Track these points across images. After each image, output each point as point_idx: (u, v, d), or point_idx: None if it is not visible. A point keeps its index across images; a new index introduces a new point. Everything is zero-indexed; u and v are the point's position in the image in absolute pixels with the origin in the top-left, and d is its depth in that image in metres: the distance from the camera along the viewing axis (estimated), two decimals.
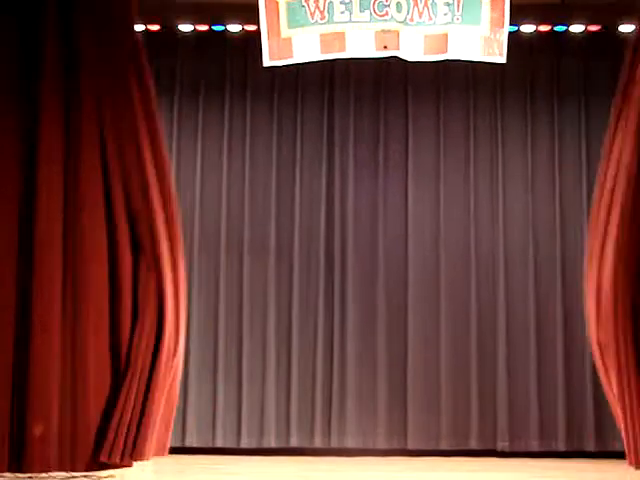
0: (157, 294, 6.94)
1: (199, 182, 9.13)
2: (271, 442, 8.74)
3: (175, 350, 7.05)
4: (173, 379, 7.09)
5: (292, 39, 7.13)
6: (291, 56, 7.19)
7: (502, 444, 8.66)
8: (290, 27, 7.12)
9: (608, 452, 8.55)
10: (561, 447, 8.64)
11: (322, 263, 9.04)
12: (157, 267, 6.96)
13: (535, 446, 8.66)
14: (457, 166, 9.15)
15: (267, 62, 7.17)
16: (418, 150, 9.14)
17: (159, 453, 7.11)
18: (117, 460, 6.63)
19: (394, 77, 9.15)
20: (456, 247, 9.04)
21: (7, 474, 6.41)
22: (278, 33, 7.09)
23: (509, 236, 9.04)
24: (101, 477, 6.51)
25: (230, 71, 9.23)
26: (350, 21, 7.16)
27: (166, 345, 6.88)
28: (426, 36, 7.16)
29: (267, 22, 7.08)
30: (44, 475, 6.42)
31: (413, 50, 7.19)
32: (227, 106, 9.22)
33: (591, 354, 8.67)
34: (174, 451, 8.52)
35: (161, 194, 7.12)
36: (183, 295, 7.25)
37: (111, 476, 6.65)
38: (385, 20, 7.18)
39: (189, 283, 8.89)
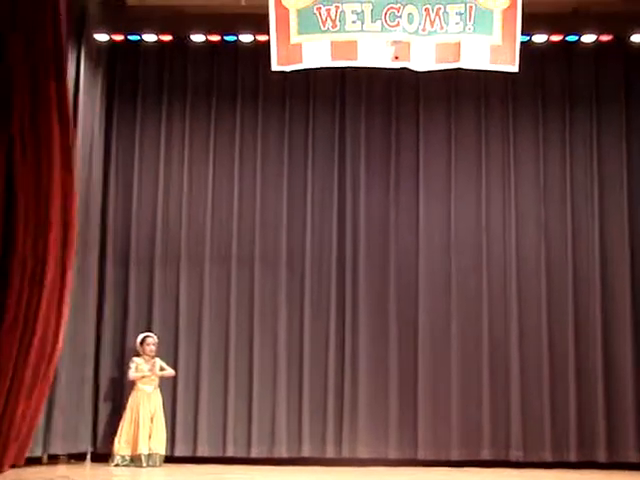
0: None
1: (211, 192, 9.16)
2: (282, 452, 8.73)
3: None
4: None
5: (302, 45, 7.14)
6: (300, 61, 7.20)
7: (516, 454, 8.63)
8: (300, 33, 7.14)
9: (620, 463, 8.50)
10: (573, 458, 8.59)
11: (334, 273, 9.03)
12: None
13: (548, 457, 8.61)
14: (469, 174, 9.14)
15: (275, 66, 7.20)
16: (430, 158, 9.15)
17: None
18: None
19: (405, 86, 9.16)
20: (468, 255, 9.02)
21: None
22: (287, 39, 7.11)
23: (521, 244, 9.01)
24: None
25: (242, 81, 9.27)
26: (362, 30, 7.17)
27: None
28: (437, 45, 7.17)
29: (276, 27, 7.10)
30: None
31: (425, 59, 7.20)
32: (239, 116, 9.25)
33: (603, 365, 8.69)
34: (186, 460, 8.57)
35: (62, 207, 7.01)
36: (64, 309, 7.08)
37: None
38: (396, 31, 7.19)
39: (201, 293, 8.95)
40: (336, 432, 8.75)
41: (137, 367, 8.57)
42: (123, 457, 8.29)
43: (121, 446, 8.31)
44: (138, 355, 8.63)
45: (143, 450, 8.25)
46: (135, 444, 8.29)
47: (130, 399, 8.49)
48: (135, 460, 8.25)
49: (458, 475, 7.97)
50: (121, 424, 8.42)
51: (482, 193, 9.10)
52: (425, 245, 9.02)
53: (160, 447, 8.37)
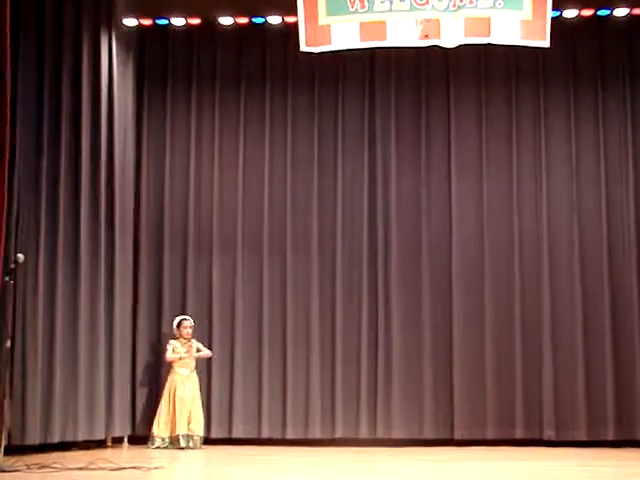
0: None
1: (241, 176, 9.16)
2: (316, 433, 8.76)
3: None
4: None
5: (331, 27, 7.14)
6: (329, 43, 7.19)
7: (549, 433, 8.59)
8: (329, 15, 7.12)
9: None
10: (610, 436, 8.53)
11: (365, 256, 9.02)
12: None
13: (583, 435, 8.56)
14: (500, 153, 9.07)
15: (304, 47, 7.20)
16: (460, 138, 9.08)
17: None
18: None
19: (435, 67, 9.10)
20: (500, 237, 8.96)
21: (58, 465, 6.51)
22: (316, 20, 7.09)
23: (553, 223, 8.94)
24: (150, 468, 6.56)
25: (271, 64, 9.24)
26: (390, 10, 7.14)
27: None
28: (467, 19, 7.12)
29: (305, 9, 7.09)
30: (94, 467, 6.51)
31: (454, 35, 7.14)
32: (268, 99, 9.23)
33: None
34: (222, 442, 8.63)
35: None
36: None
37: (159, 467, 6.70)
38: (426, 9, 7.15)
39: (234, 278, 8.98)
40: (370, 413, 8.77)
41: (174, 349, 8.62)
42: (163, 439, 8.38)
43: (160, 429, 8.41)
44: (175, 338, 8.67)
45: (182, 432, 8.33)
46: (173, 426, 8.38)
47: (167, 382, 8.56)
48: (174, 442, 8.33)
49: (493, 454, 7.97)
50: (159, 407, 8.50)
51: (514, 172, 9.02)
52: (457, 226, 8.98)
53: (199, 429, 8.43)
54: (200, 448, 8.35)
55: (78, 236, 7.96)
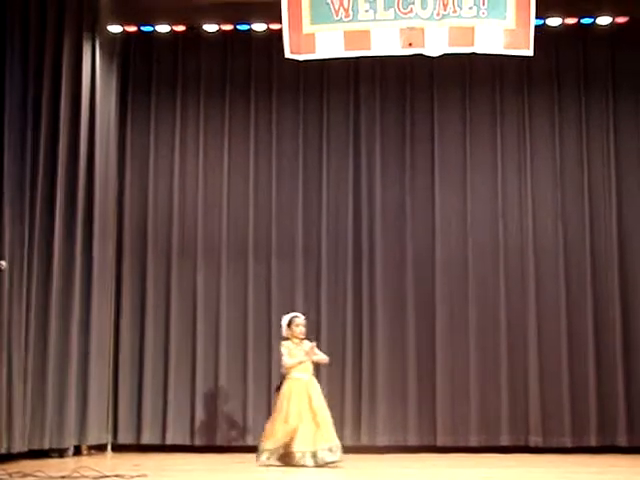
0: None
1: (226, 182, 9.16)
2: None
3: None
4: None
5: (315, 35, 7.16)
6: (313, 51, 7.21)
7: (535, 440, 8.61)
8: (313, 23, 7.14)
9: None
10: (593, 442, 8.57)
11: (350, 262, 9.03)
12: None
13: (567, 442, 8.59)
14: (484, 161, 9.11)
15: (288, 54, 7.21)
16: (445, 144, 9.12)
17: None
18: None
19: (419, 75, 9.13)
20: (485, 242, 8.99)
21: (40, 473, 6.48)
22: (300, 28, 7.12)
23: (538, 230, 8.98)
24: (133, 476, 6.53)
25: (255, 70, 9.25)
26: (375, 19, 7.17)
27: None
28: (451, 28, 7.15)
29: (289, 16, 7.11)
30: (76, 475, 6.48)
31: (438, 44, 7.18)
32: (253, 105, 9.24)
33: (622, 349, 8.65)
34: (206, 450, 8.62)
35: None
36: None
37: (143, 475, 6.67)
38: (410, 18, 7.17)
39: (218, 284, 8.97)
40: (354, 419, 8.77)
41: (290, 352, 7.62)
42: (270, 453, 7.39)
43: (268, 442, 7.42)
44: (286, 339, 7.74)
45: (302, 447, 7.31)
46: (289, 440, 7.36)
47: (283, 389, 7.56)
48: (288, 459, 7.34)
49: (477, 461, 7.98)
50: (273, 418, 7.56)
51: (498, 179, 9.06)
52: (442, 233, 9.00)
53: (333, 440, 7.43)
54: (330, 464, 7.29)
55: (52, 245, 7.89)
